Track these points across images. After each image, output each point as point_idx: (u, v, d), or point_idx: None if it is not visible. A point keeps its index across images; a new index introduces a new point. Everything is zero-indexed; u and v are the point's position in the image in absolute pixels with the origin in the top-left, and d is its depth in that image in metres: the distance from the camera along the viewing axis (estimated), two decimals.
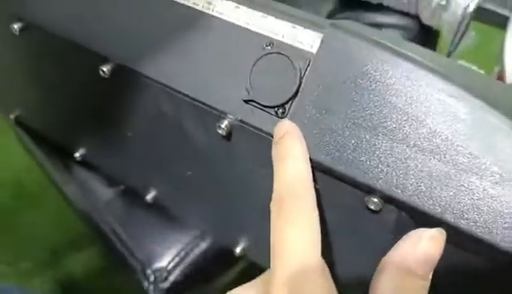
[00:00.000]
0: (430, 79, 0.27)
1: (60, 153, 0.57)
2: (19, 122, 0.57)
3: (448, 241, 0.26)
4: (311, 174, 0.28)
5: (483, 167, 0.25)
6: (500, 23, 0.51)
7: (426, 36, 0.62)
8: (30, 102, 0.51)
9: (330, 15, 0.66)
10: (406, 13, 0.60)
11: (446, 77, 0.27)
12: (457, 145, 0.25)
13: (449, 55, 0.54)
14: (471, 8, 0.51)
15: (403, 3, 0.58)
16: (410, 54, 0.28)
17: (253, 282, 0.30)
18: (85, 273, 1.20)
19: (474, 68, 0.58)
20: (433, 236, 0.24)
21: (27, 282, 1.20)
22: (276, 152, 0.29)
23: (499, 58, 0.46)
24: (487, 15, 0.52)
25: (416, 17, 0.59)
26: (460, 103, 0.26)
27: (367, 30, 0.30)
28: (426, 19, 0.57)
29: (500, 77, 0.45)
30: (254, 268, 0.47)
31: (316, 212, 0.26)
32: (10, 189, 1.28)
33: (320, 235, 0.26)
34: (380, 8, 0.61)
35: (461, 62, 0.58)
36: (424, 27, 0.60)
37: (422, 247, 0.24)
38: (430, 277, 0.24)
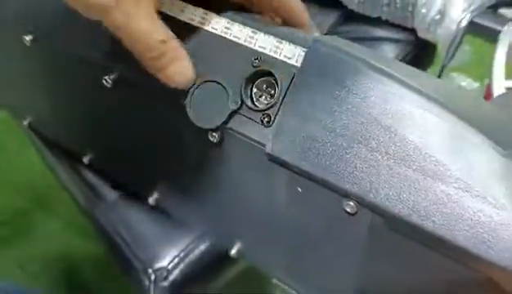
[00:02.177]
0: (403, 92, 0.29)
1: (69, 156, 0.60)
2: (31, 127, 0.60)
3: (419, 242, 0.29)
4: None
5: (448, 174, 0.27)
6: (494, 37, 0.53)
7: (423, 49, 0.64)
8: (41, 109, 0.55)
9: (332, 29, 0.68)
10: (404, 27, 0.62)
11: (419, 91, 0.29)
12: (425, 153, 0.27)
13: (443, 67, 0.56)
14: (464, 23, 0.53)
15: (401, 18, 0.60)
16: (387, 69, 0.30)
17: None
18: (94, 277, 1.22)
19: (469, 80, 0.60)
20: None
21: (35, 284, 1.23)
22: None
23: (489, 71, 0.48)
24: (481, 30, 0.53)
25: (413, 31, 0.61)
26: (429, 115, 0.28)
27: (350, 46, 0.32)
28: (422, 33, 0.59)
29: (489, 89, 0.46)
30: (253, 269, 0.50)
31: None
32: (24, 192, 1.32)
33: None
34: (379, 22, 0.63)
35: (455, 75, 0.60)
36: (421, 40, 0.62)
37: None
38: None
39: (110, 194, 0.58)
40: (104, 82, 0.38)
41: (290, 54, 0.32)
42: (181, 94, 0.34)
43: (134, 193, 0.56)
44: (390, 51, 0.63)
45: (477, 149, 0.27)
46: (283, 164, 0.31)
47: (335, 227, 0.33)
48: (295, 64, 0.32)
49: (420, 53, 0.64)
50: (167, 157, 0.42)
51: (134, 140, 0.44)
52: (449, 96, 0.30)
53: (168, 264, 0.53)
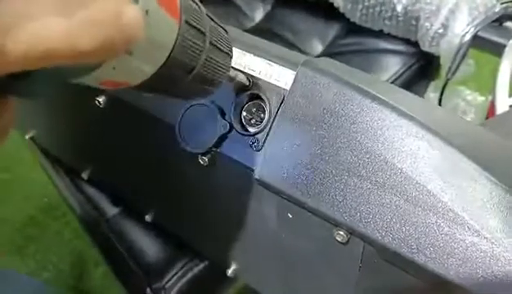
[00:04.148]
0: (394, 119, 0.28)
1: (70, 171, 0.60)
2: (34, 141, 0.60)
3: (413, 275, 0.27)
4: None
5: (439, 205, 0.26)
6: (499, 51, 0.51)
7: (428, 62, 0.63)
8: (40, 125, 0.55)
9: (334, 41, 0.67)
10: (407, 40, 0.61)
11: (411, 118, 0.28)
12: (416, 183, 0.26)
13: (447, 81, 0.54)
14: (468, 37, 0.52)
15: (403, 31, 0.59)
16: (377, 94, 0.29)
17: None
18: (103, 284, 1.23)
19: (475, 94, 0.58)
20: None
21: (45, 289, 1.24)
22: None
23: (492, 88, 0.46)
24: (485, 44, 0.52)
25: (417, 44, 0.60)
26: (421, 142, 0.27)
27: (340, 69, 0.31)
28: (425, 46, 0.57)
29: (492, 106, 0.45)
30: (250, 289, 0.49)
31: None
32: (37, 202, 1.33)
33: None
34: (382, 35, 0.62)
35: (462, 88, 0.59)
36: (425, 53, 0.61)
37: None
38: None
39: (111, 210, 0.58)
40: (96, 102, 0.38)
41: (280, 77, 0.32)
42: (170, 115, 0.34)
43: (132, 210, 0.55)
44: (394, 63, 0.62)
45: (472, 179, 0.26)
46: (272, 190, 0.31)
47: (327, 254, 0.32)
48: (285, 87, 0.31)
49: (425, 65, 0.62)
50: (159, 177, 0.42)
51: (127, 158, 0.44)
52: (444, 124, 0.29)
53: (166, 282, 0.52)
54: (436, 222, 0.26)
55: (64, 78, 0.17)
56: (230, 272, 0.44)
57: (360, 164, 0.28)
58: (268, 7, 0.74)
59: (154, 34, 0.19)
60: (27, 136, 0.60)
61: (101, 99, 0.38)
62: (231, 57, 0.26)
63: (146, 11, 0.17)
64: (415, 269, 0.26)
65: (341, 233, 0.29)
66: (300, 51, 0.67)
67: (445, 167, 0.26)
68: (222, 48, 0.24)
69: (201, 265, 0.52)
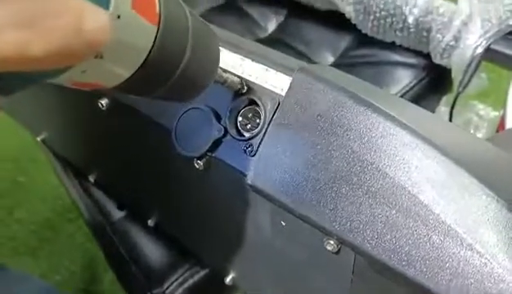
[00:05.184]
0: (388, 127, 0.27)
1: (79, 174, 0.61)
2: (45, 143, 0.61)
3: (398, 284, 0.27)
4: None
5: (431, 217, 0.25)
6: (511, 64, 0.50)
7: (440, 75, 0.62)
8: (50, 127, 0.56)
9: (346, 52, 0.67)
10: (419, 52, 0.60)
11: (406, 127, 0.27)
12: (408, 193, 0.26)
13: (458, 95, 0.53)
14: (480, 49, 0.50)
15: (415, 43, 0.58)
16: (374, 102, 0.28)
17: None
18: (112, 288, 1.24)
19: (489, 109, 0.57)
20: None
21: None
22: None
23: (504, 101, 0.45)
24: (499, 57, 0.51)
25: (429, 56, 0.59)
26: (415, 152, 0.26)
27: (337, 76, 0.31)
28: (437, 58, 0.56)
29: (502, 121, 0.44)
30: None
31: None
32: (53, 205, 1.35)
33: None
34: (394, 46, 0.61)
35: (475, 103, 0.57)
36: (437, 66, 0.60)
37: None
38: None
39: (116, 214, 0.58)
40: (99, 105, 0.38)
41: (276, 82, 0.31)
42: (167, 119, 0.34)
43: (135, 214, 0.56)
44: (405, 75, 0.61)
45: (467, 192, 0.25)
46: (264, 196, 0.30)
47: (319, 263, 0.31)
48: (280, 92, 0.31)
49: (437, 79, 0.61)
50: (159, 181, 0.42)
51: (130, 162, 0.44)
52: (442, 135, 0.29)
53: (167, 288, 0.52)
54: (427, 234, 0.25)
55: (30, 79, 0.16)
56: (228, 280, 0.44)
57: (352, 172, 0.27)
58: (281, 18, 0.74)
59: (128, 38, 0.18)
60: (39, 138, 0.61)
61: (104, 101, 0.38)
62: (218, 57, 0.26)
63: (118, 16, 0.17)
64: (405, 282, 0.25)
65: (331, 242, 0.28)
66: (311, 61, 0.67)
67: (439, 178, 0.25)
68: (206, 49, 0.24)
69: (202, 273, 0.52)
